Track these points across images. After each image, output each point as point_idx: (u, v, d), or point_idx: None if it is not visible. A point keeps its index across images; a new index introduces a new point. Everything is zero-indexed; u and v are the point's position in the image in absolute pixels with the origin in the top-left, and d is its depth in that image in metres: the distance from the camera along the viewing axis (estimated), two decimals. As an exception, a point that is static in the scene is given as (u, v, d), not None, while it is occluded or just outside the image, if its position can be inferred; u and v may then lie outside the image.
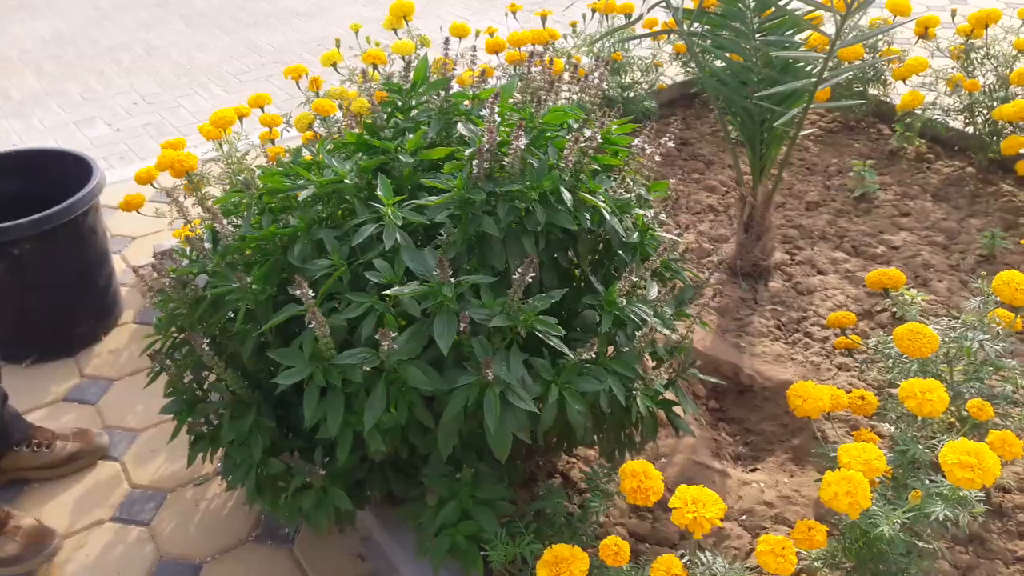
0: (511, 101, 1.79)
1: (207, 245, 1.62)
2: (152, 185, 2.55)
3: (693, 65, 4.06)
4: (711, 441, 2.31)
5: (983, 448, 1.45)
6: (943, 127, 3.55)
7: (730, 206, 3.32)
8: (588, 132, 1.54)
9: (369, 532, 1.98)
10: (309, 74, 3.00)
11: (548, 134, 1.61)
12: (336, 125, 3.05)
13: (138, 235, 3.18)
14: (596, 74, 1.79)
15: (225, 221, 1.63)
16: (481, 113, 1.67)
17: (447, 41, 1.95)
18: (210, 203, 1.63)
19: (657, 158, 1.67)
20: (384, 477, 1.71)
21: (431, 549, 1.53)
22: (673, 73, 4.10)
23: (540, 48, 3.47)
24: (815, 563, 1.67)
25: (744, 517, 2.03)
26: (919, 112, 3.55)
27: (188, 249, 1.72)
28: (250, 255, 1.61)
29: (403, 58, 3.18)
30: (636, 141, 1.73)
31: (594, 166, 1.71)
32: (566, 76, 3.40)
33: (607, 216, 1.58)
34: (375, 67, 3.21)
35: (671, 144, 1.79)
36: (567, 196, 1.50)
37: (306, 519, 1.60)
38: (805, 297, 2.80)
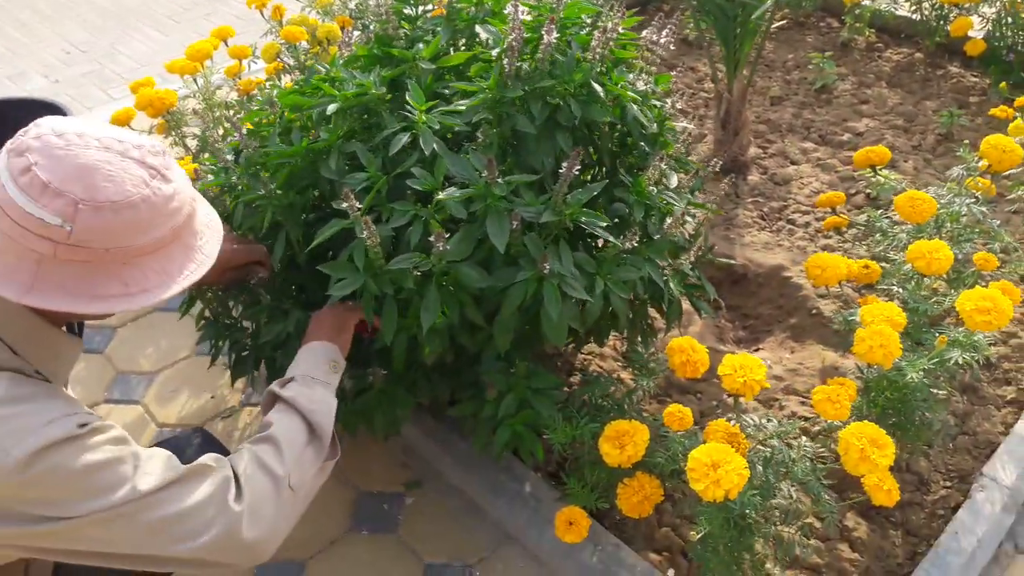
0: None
1: (229, 158, 1.61)
2: (131, 127, 2.48)
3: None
4: (714, 328, 2.42)
5: (996, 293, 1.57)
6: (891, 15, 3.66)
7: (699, 107, 3.39)
8: (610, 24, 1.57)
9: (410, 442, 2.04)
10: (272, 2, 2.92)
11: (569, 29, 1.63)
12: (303, 53, 3.00)
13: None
14: (600, -31, 1.80)
15: (244, 131, 1.62)
16: (495, 16, 1.68)
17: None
18: (234, 118, 1.63)
19: (672, 47, 1.71)
20: (430, 382, 1.76)
21: (494, 440, 1.60)
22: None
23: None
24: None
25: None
26: (867, 3, 3.65)
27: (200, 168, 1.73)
28: (274, 169, 1.61)
29: (365, -20, 3.13)
30: (644, 32, 1.76)
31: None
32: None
33: (631, 107, 1.62)
34: (335, -9, 3.14)
35: (672, 34, 1.83)
36: (599, 89, 1.53)
37: (367, 424, 1.65)
38: (783, 187, 2.91)
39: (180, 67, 2.53)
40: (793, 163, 3.02)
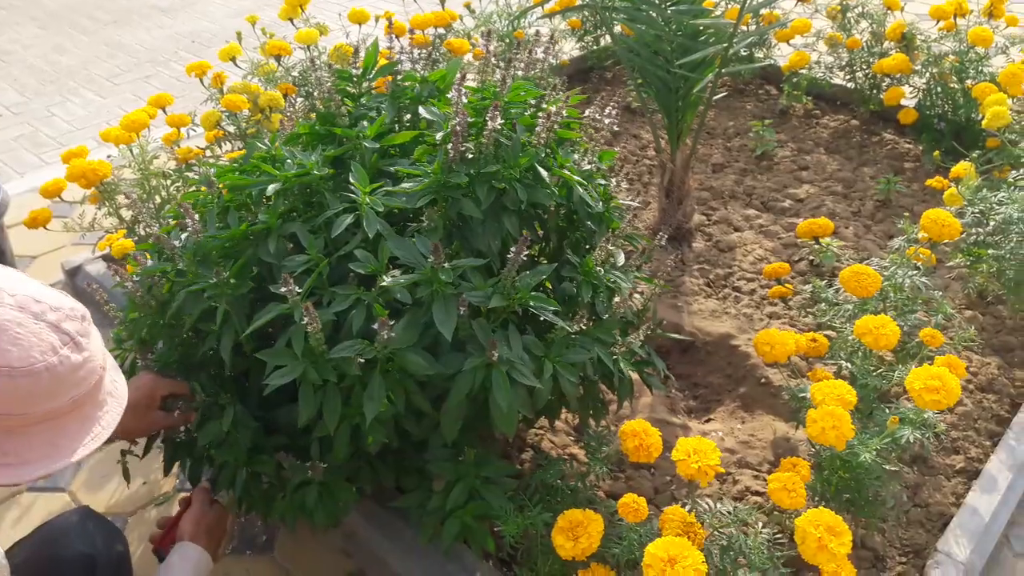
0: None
1: (177, 243, 1.53)
2: (61, 198, 2.39)
3: (588, 40, 4.14)
4: (664, 398, 2.40)
5: (944, 371, 1.58)
6: (827, 84, 3.77)
7: (642, 175, 3.42)
8: (554, 108, 1.56)
9: (352, 528, 1.94)
10: (213, 69, 2.87)
11: (513, 111, 1.62)
12: (243, 121, 2.95)
13: (38, 254, 2.97)
14: (541, 49, 1.81)
15: (197, 217, 1.54)
16: (440, 95, 1.66)
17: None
18: (172, 188, 1.56)
19: (616, 128, 1.70)
20: (373, 470, 1.69)
21: (442, 533, 1.53)
22: (568, 49, 4.16)
23: (442, 30, 3.46)
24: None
25: (711, 466, 2.12)
26: (804, 71, 3.75)
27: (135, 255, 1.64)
28: (217, 254, 1.54)
29: (307, 48, 3.11)
30: (587, 112, 1.76)
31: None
32: (468, 56, 3.41)
33: (577, 188, 1.61)
34: (278, 58, 3.11)
35: (615, 113, 1.84)
36: (544, 173, 1.52)
37: (309, 517, 1.56)
38: (727, 254, 2.93)
39: (115, 137, 2.46)
40: (737, 230, 3.05)
